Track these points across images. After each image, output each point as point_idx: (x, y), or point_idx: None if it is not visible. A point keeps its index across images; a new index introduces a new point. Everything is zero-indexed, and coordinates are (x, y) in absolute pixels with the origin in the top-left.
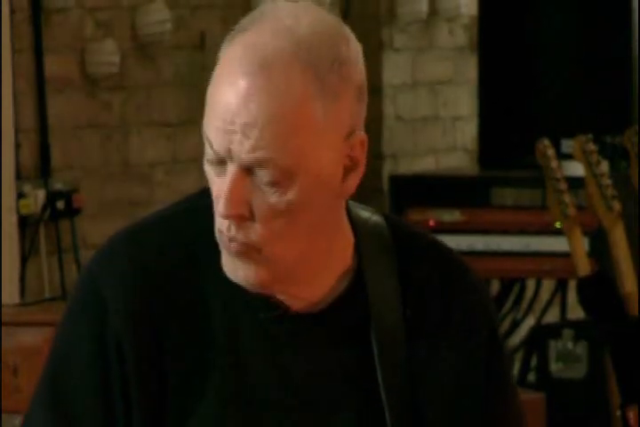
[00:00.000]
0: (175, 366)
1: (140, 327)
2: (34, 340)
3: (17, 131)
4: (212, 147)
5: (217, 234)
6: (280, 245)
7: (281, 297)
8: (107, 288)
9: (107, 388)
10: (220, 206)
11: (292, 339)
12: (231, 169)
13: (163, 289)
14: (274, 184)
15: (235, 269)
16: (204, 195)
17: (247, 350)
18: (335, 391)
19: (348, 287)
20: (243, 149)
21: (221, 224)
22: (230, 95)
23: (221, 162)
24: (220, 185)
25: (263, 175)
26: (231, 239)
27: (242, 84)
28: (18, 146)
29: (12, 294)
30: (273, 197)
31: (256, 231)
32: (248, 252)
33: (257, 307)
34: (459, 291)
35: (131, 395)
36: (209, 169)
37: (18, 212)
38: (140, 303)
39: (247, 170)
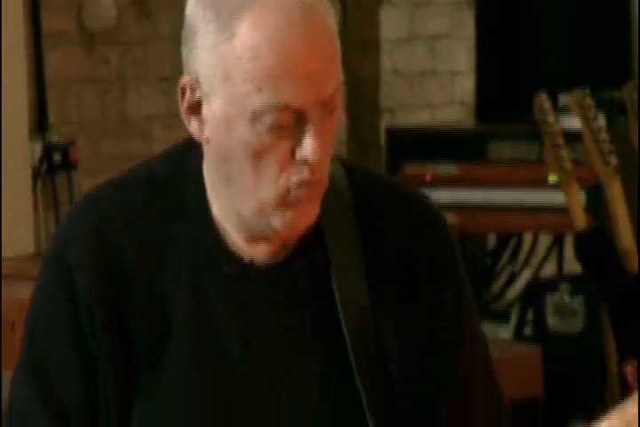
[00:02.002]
0: (139, 327)
1: (103, 292)
2: (29, 294)
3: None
4: (280, 107)
5: (277, 199)
6: (325, 165)
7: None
8: (71, 254)
9: (82, 346)
10: (309, 159)
11: (256, 292)
12: (311, 117)
13: (123, 252)
14: (335, 109)
15: (293, 221)
16: (188, 151)
17: (212, 306)
18: (301, 342)
19: (308, 238)
20: (323, 89)
21: (297, 178)
22: (294, 49)
23: (280, 125)
24: (282, 147)
25: (329, 104)
26: (303, 185)
27: (299, 34)
28: None
29: (26, 246)
30: (331, 121)
31: (321, 164)
32: (311, 191)
33: (220, 261)
34: (418, 229)
35: (103, 355)
36: (256, 141)
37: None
38: (101, 270)
39: (321, 109)
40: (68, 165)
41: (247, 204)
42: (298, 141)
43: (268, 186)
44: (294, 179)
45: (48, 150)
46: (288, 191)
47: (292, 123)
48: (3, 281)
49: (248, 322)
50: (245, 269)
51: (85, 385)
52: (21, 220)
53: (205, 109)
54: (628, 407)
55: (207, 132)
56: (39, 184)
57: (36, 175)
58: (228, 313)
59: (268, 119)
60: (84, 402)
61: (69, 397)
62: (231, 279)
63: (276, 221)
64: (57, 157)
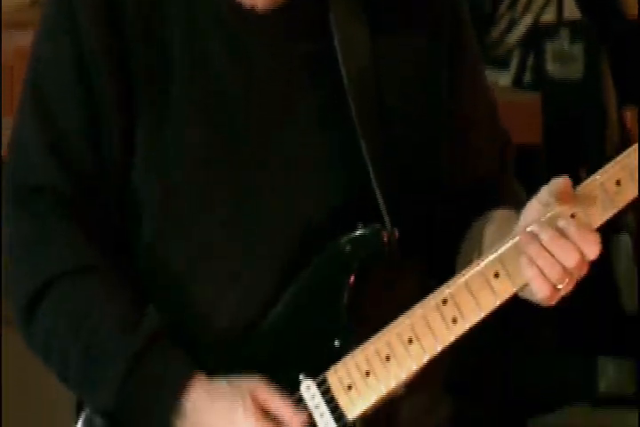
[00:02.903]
0: (139, 68)
1: (106, 26)
2: (28, 43)
3: None
4: None
5: None
6: None
7: None
8: None
9: (86, 84)
10: None
11: (256, 37)
12: None
13: None
14: None
15: None
16: None
17: (212, 53)
18: (302, 86)
19: None
20: None
21: None
22: None
23: None
24: None
25: None
26: None
27: None
28: None
29: None
30: None
31: None
32: None
33: (221, 8)
34: None
35: (107, 96)
36: None
37: None
38: (102, 6)
39: None
40: None
41: None
42: None
43: None
44: None
45: None
46: None
47: None
48: (2, 30)
49: (249, 67)
50: (246, 15)
51: (88, 123)
52: None
53: None
54: (630, 156)
55: None
56: None
57: None
58: (228, 59)
59: None
60: (86, 144)
61: (70, 132)
62: (232, 26)
63: None
64: None
